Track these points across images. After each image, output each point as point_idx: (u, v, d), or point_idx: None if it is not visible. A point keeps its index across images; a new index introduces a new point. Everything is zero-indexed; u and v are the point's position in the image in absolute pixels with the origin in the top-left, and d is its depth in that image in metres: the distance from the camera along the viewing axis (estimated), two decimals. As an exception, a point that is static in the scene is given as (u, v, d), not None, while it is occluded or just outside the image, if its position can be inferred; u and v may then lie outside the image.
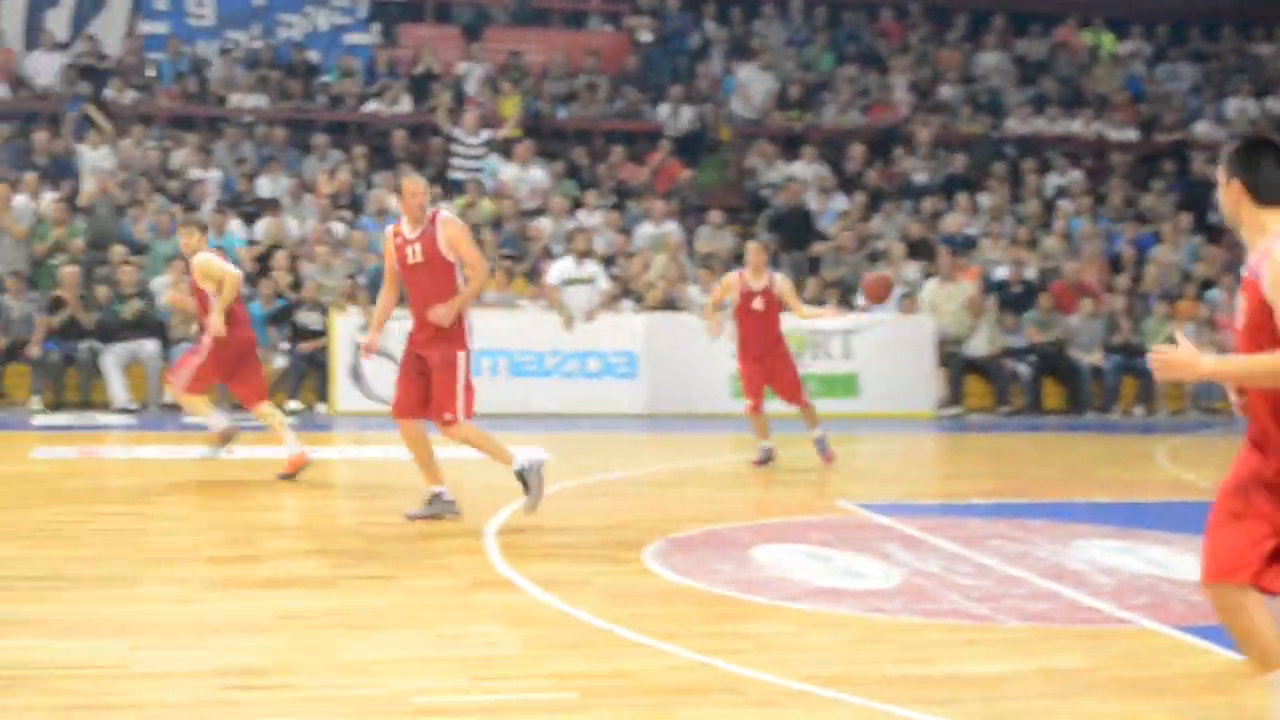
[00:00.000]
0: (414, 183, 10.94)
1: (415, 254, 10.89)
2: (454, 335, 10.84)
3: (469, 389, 10.86)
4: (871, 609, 8.24)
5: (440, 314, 10.71)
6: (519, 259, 20.60)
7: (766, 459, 14.49)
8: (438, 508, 10.96)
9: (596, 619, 7.81)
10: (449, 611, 8.05)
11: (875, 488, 13.59)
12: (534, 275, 20.12)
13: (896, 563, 9.54)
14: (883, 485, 13.96)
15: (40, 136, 22.15)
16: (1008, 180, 24.71)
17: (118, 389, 18.28)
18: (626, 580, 8.96)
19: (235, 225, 20.57)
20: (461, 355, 10.83)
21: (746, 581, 8.88)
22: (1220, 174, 5.53)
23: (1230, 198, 5.50)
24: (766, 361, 14.52)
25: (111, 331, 18.55)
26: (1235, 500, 5.40)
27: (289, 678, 6.73)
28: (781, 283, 14.48)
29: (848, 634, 7.71)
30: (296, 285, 19.44)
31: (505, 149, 23.55)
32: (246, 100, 24.09)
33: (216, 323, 12.66)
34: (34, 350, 18.36)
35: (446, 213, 11.07)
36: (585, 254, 19.57)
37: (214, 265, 12.83)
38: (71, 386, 18.70)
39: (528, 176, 22.83)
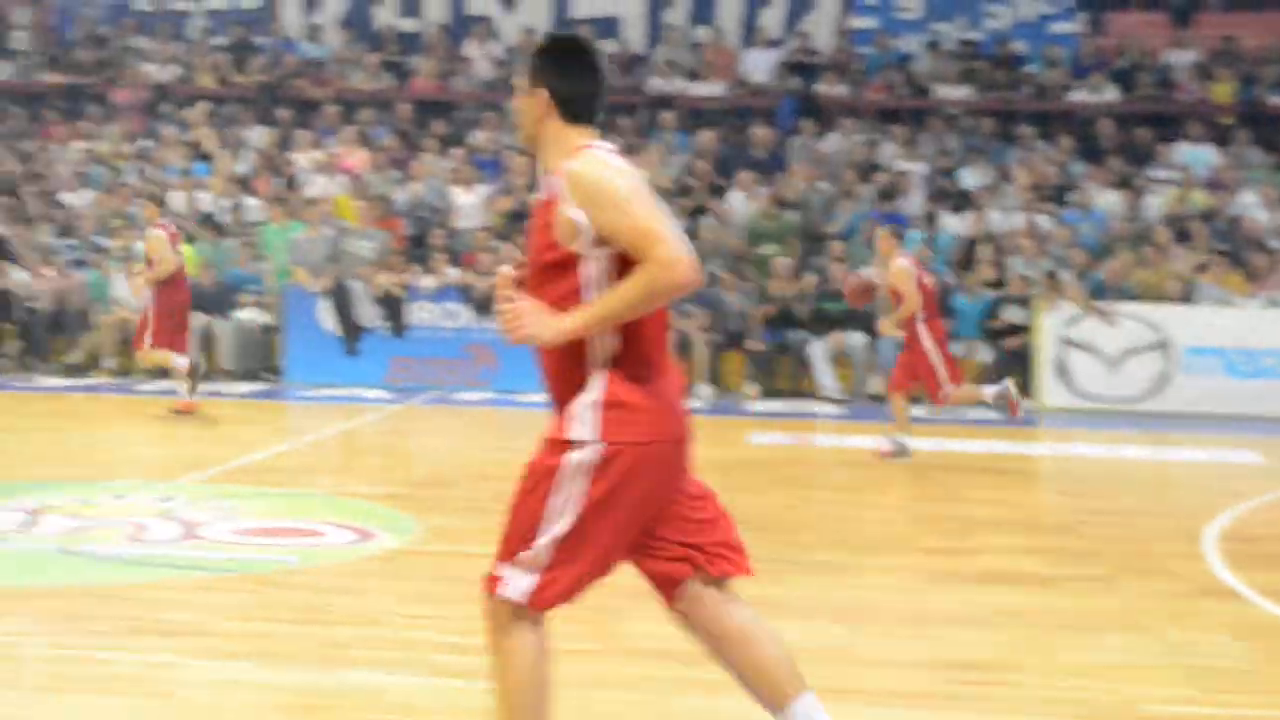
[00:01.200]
0: None
1: None
2: None
3: None
4: None
5: None
6: (1231, 255, 19.68)
7: (896, 452, 13.42)
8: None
9: (1335, 636, 7.41)
10: (1173, 618, 7.79)
11: None
12: (1251, 272, 19.11)
13: None
14: None
15: (757, 132, 22.99)
16: None
17: (826, 379, 18.70)
18: (1366, 596, 8.45)
19: (948, 220, 20.72)
20: None
21: None
22: (521, 82, 4.61)
23: (534, 110, 4.58)
24: (904, 352, 13.69)
25: (822, 323, 18.99)
26: None
27: (1010, 675, 6.71)
28: (895, 273, 13.34)
29: None
30: (1000, 280, 19.31)
31: (1220, 138, 22.67)
32: (952, 92, 24.21)
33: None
34: (758, 344, 18.91)
35: None
36: None
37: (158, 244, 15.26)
38: (783, 375, 19.22)
39: (1240, 166, 21.90)
